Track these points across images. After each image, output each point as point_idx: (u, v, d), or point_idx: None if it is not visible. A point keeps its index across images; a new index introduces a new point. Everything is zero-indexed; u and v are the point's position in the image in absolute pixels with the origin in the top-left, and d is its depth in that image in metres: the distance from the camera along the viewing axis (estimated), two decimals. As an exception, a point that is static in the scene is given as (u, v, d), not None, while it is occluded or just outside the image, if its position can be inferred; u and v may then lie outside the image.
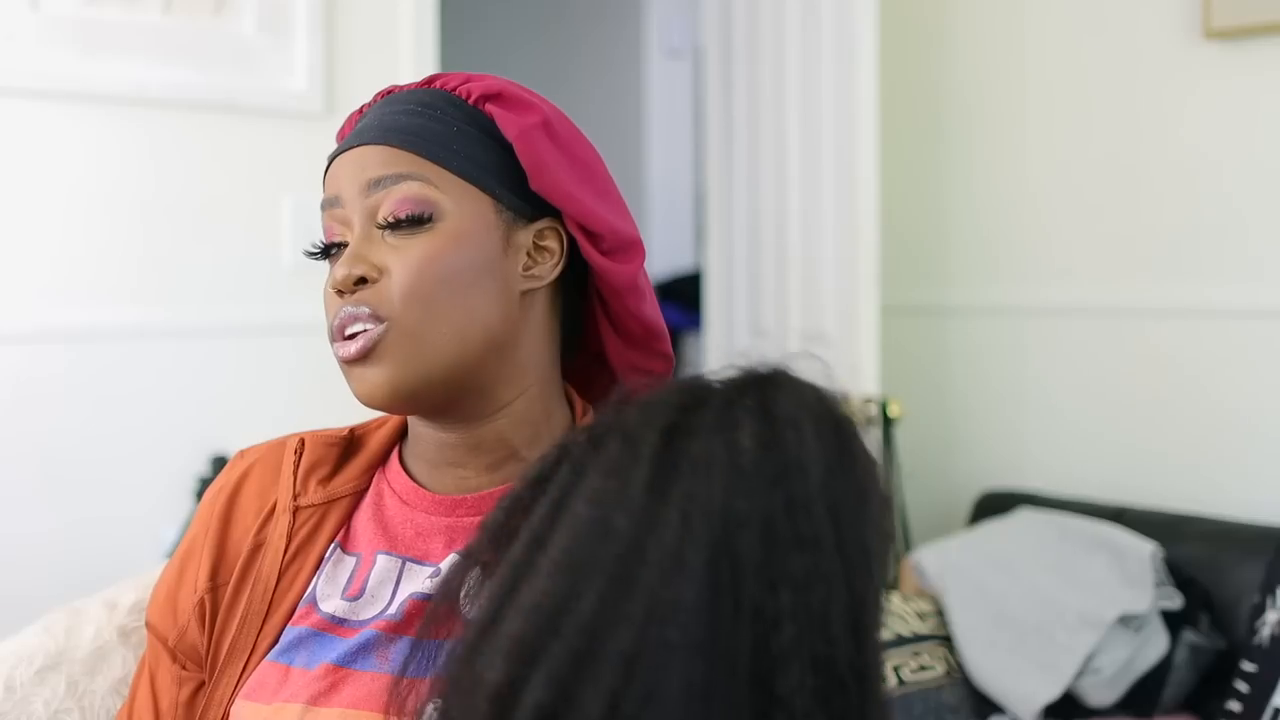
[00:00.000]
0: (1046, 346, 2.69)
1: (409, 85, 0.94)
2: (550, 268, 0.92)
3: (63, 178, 2.16)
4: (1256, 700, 1.94)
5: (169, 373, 2.25)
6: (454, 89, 0.92)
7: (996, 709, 2.19)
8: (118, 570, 1.41)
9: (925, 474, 2.83)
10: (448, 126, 0.89)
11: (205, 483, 2.24)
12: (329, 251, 0.91)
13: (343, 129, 0.98)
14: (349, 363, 0.87)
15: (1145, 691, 2.11)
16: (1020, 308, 2.74)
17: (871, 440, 0.66)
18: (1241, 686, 1.98)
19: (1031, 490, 2.61)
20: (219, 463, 2.25)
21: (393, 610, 0.87)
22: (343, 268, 0.86)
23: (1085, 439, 2.62)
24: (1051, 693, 2.10)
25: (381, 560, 0.90)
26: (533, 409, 0.91)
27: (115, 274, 2.20)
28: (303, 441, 0.97)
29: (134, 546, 2.17)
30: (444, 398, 0.88)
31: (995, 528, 2.43)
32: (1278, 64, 2.33)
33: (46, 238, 2.15)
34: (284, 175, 2.33)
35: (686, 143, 4.30)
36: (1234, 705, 1.98)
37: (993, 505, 2.59)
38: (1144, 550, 2.19)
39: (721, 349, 2.98)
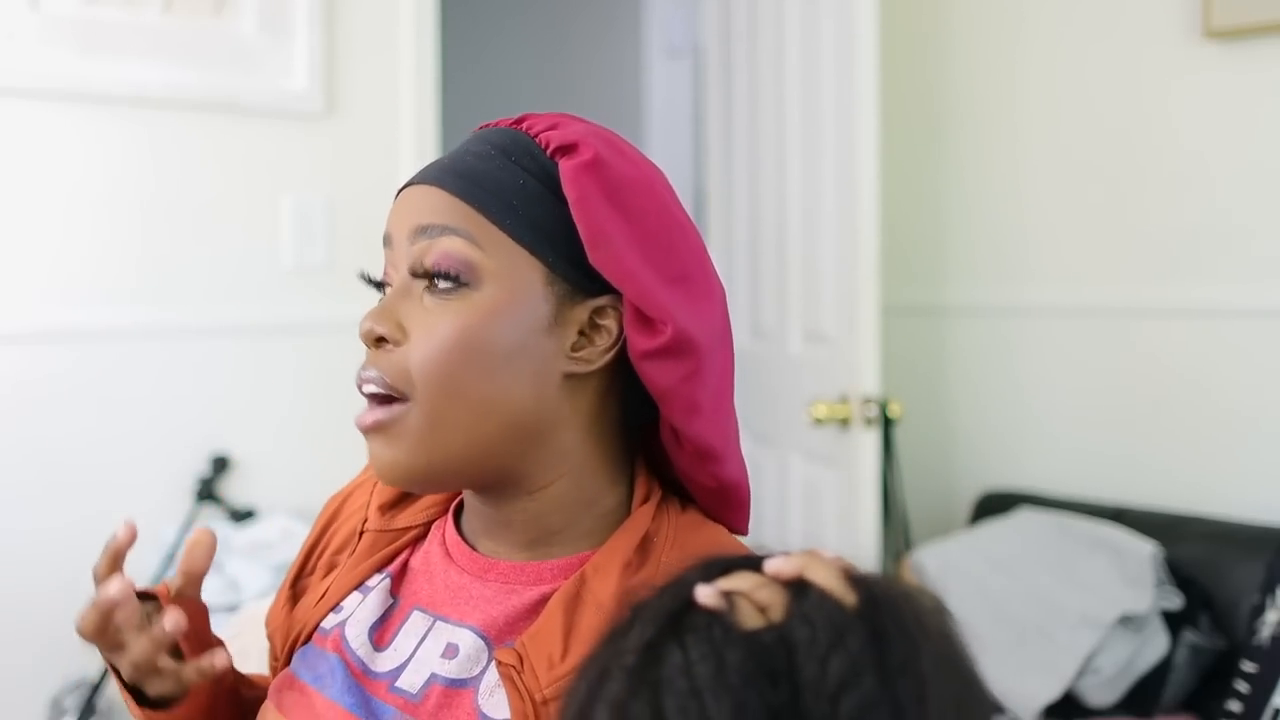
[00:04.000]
0: (1046, 346, 2.69)
1: (503, 121, 0.86)
2: (601, 352, 0.81)
3: (63, 178, 2.16)
4: (1256, 700, 1.94)
5: (169, 373, 2.24)
6: (537, 134, 0.82)
7: (997, 709, 2.19)
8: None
9: (925, 474, 2.83)
10: (514, 178, 0.80)
11: (205, 483, 2.24)
12: (381, 286, 0.85)
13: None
14: (362, 430, 0.81)
15: (1145, 691, 2.11)
16: (1020, 308, 2.74)
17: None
18: (1241, 686, 1.98)
19: (1031, 490, 2.61)
20: (218, 463, 2.25)
21: (410, 677, 0.82)
22: (367, 320, 0.80)
23: (1085, 439, 2.62)
24: (1052, 693, 2.10)
25: (415, 616, 0.86)
26: (571, 494, 0.83)
27: (115, 274, 2.20)
28: None
29: (134, 546, 2.17)
30: (465, 480, 0.83)
31: (995, 528, 2.43)
32: (1278, 64, 2.33)
33: (46, 238, 2.15)
34: (284, 175, 2.33)
35: (686, 143, 4.30)
36: (1234, 705, 1.98)
37: (993, 505, 2.60)
38: (1144, 550, 2.19)
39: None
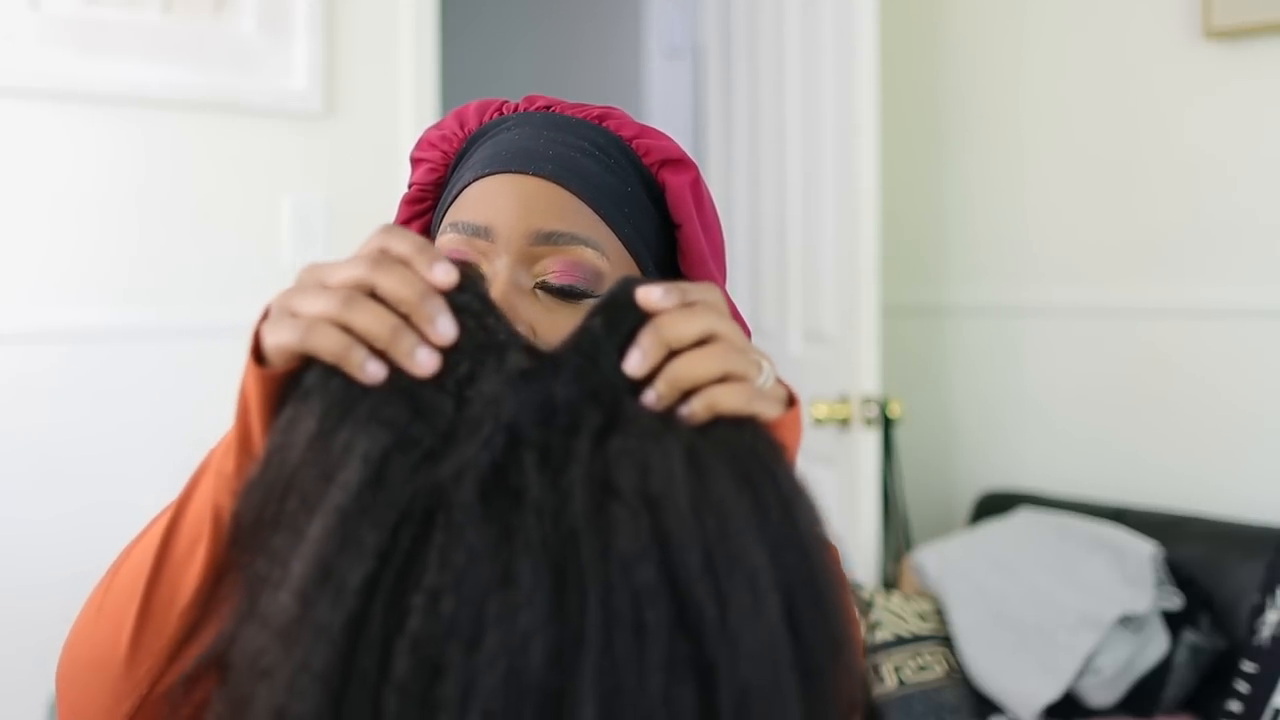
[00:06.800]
0: (1046, 346, 2.69)
1: (571, 108, 0.86)
2: None
3: (63, 178, 2.16)
4: (1257, 700, 1.94)
5: (169, 374, 2.24)
6: (630, 140, 0.84)
7: (996, 709, 2.19)
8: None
9: (925, 474, 2.83)
10: (623, 185, 0.82)
11: (205, 483, 2.24)
12: None
13: (468, 114, 0.88)
14: None
15: (1145, 691, 2.11)
16: (1021, 308, 2.74)
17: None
18: (1242, 686, 1.98)
19: (1031, 490, 2.61)
20: (219, 463, 2.25)
21: None
22: None
23: (1085, 439, 2.62)
24: (1052, 693, 2.10)
25: None
26: None
27: (115, 275, 2.20)
28: None
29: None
30: None
31: (995, 528, 2.43)
32: (1278, 64, 2.33)
33: (47, 239, 2.15)
34: (283, 176, 2.33)
35: (686, 143, 4.30)
36: (1234, 705, 1.98)
37: (993, 505, 2.59)
38: (1144, 550, 2.19)
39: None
